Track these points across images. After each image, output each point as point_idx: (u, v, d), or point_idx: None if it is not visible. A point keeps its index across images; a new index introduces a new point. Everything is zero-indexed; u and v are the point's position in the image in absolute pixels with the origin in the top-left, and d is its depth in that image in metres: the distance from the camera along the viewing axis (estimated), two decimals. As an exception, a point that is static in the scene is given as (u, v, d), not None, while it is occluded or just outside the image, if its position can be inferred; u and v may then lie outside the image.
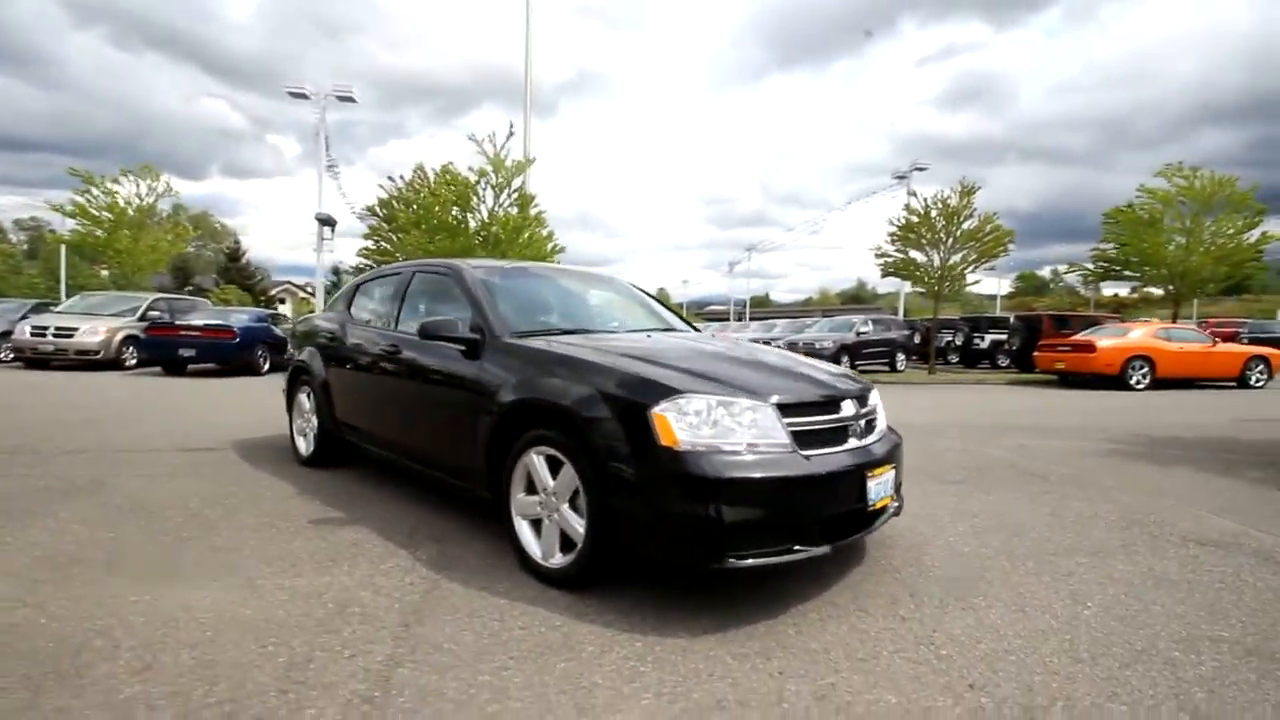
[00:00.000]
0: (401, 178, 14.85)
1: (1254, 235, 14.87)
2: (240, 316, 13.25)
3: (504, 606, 2.36)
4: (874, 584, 2.63)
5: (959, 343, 19.51)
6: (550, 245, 14.73)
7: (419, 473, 3.40)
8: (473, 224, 13.47)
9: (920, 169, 20.88)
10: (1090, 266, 16.91)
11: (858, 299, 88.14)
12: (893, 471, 2.61)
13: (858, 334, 16.50)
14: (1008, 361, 17.04)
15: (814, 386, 2.58)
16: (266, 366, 12.90)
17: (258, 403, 8.22)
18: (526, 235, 13.78)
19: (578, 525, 2.42)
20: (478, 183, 13.33)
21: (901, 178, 21.13)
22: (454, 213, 13.49)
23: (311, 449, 4.36)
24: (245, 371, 12.36)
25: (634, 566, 2.55)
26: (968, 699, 1.84)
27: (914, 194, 14.26)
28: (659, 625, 2.23)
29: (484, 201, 13.56)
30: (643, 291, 4.31)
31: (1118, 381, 11.91)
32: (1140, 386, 11.86)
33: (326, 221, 18.12)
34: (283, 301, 57.52)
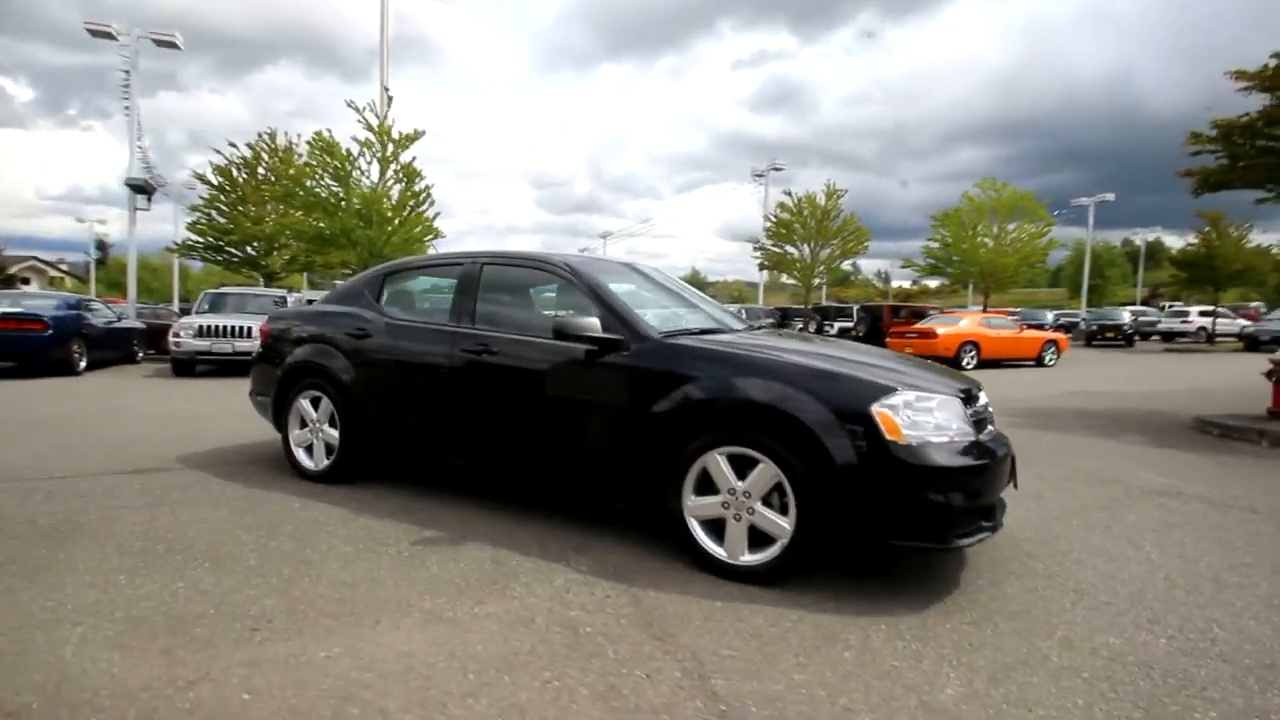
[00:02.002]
0: (249, 146, 13.02)
1: (1045, 240, 18.55)
2: (46, 303, 10.72)
3: (727, 609, 2.37)
4: (993, 552, 3.03)
5: (812, 329, 21.70)
6: (420, 228, 13.66)
7: (528, 481, 3.19)
8: (355, 202, 12.16)
9: (777, 169, 22.85)
10: (920, 263, 19.87)
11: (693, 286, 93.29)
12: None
13: (734, 322, 17.74)
14: (854, 346, 19.39)
15: (955, 381, 2.89)
16: (84, 364, 10.65)
17: (125, 409, 6.81)
18: (414, 214, 12.76)
19: (781, 522, 2.50)
20: (360, 155, 12.06)
21: (760, 176, 22.88)
22: (330, 186, 12.10)
23: (327, 463, 3.83)
24: (55, 370, 10.09)
25: (822, 557, 2.69)
26: (1160, 631, 2.28)
27: (789, 193, 15.61)
28: (879, 609, 2.40)
29: (366, 175, 12.31)
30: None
31: (953, 363, 14.13)
32: (970, 367, 14.20)
33: (142, 189, 15.06)
34: (26, 281, 47.58)
